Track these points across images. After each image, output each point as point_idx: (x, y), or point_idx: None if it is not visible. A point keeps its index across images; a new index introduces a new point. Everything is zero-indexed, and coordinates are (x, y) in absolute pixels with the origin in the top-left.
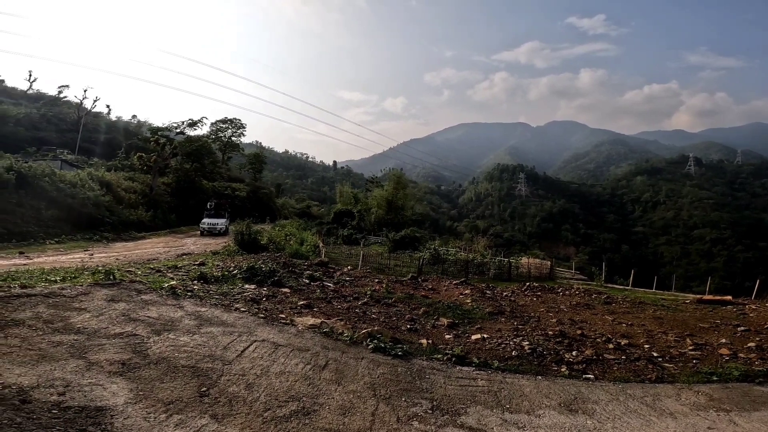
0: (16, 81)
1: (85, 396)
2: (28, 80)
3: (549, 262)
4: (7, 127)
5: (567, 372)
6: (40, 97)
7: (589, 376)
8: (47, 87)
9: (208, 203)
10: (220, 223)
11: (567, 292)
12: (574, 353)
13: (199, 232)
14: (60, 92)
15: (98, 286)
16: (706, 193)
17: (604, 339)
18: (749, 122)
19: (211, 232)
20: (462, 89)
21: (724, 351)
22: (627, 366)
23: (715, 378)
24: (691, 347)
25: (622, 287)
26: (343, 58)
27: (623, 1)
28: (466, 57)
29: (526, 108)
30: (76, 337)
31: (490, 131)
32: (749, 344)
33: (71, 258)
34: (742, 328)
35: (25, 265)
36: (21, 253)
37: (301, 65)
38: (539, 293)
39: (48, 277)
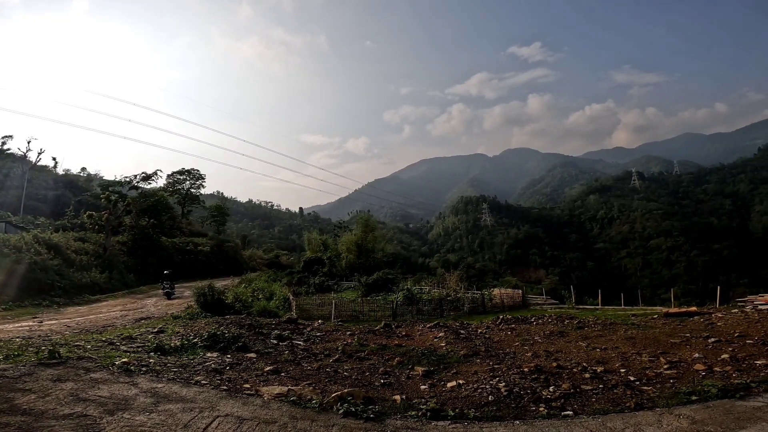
0: None
1: None
2: None
3: (521, 291)
4: None
5: (545, 411)
6: None
7: (568, 412)
8: None
9: None
10: None
11: (540, 321)
12: (551, 389)
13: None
14: (4, 143)
15: (42, 365)
16: (654, 205)
17: (580, 368)
18: (680, 133)
19: None
20: (421, 125)
21: (699, 366)
22: (605, 395)
23: (694, 398)
24: (666, 366)
25: (593, 307)
26: (304, 101)
27: (553, 27)
28: (422, 93)
29: (484, 139)
30: (23, 419)
31: (451, 165)
32: (723, 356)
33: (18, 326)
34: (713, 339)
35: None
36: None
37: (263, 110)
38: (513, 325)
39: None
